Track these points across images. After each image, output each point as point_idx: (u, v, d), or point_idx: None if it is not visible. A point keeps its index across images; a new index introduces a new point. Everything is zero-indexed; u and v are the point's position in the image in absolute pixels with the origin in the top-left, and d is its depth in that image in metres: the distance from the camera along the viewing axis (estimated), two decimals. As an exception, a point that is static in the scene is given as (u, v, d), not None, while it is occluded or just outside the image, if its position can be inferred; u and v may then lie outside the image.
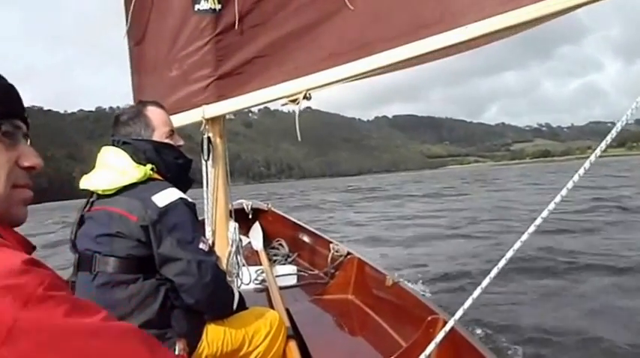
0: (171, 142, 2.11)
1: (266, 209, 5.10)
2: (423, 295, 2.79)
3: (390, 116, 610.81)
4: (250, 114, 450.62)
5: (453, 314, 1.62)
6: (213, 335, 1.97)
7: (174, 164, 2.07)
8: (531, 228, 1.45)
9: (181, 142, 2.16)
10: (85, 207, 2.00)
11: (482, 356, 1.99)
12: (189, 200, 1.96)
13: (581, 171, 1.45)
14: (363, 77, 2.46)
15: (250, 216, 4.94)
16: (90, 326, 0.67)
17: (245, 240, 4.42)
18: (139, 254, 1.83)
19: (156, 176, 2.00)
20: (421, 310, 2.55)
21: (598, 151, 1.44)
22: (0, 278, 0.61)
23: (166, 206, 1.84)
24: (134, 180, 1.90)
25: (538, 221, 1.45)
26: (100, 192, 1.95)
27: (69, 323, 0.64)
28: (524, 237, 1.46)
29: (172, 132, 2.14)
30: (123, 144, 2.04)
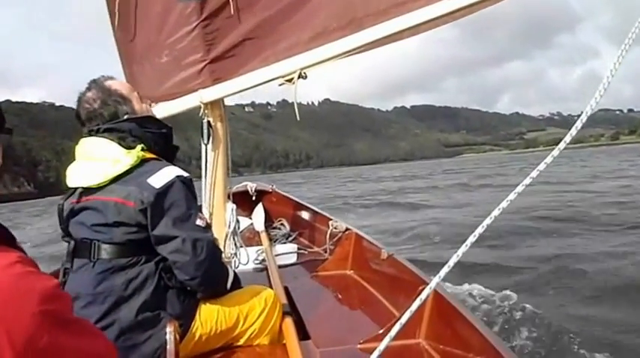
0: (150, 114, 2.05)
1: (270, 190, 5.07)
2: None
3: (408, 106, 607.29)
4: (269, 107, 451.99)
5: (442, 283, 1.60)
6: (207, 314, 1.94)
7: (159, 134, 2.01)
8: (511, 196, 1.44)
9: (151, 111, 2.10)
10: (68, 198, 1.94)
11: (470, 322, 1.99)
12: (186, 175, 1.91)
13: (556, 152, 1.46)
14: (357, 52, 2.42)
15: (254, 198, 4.92)
16: None
17: (247, 222, 4.44)
18: (138, 238, 1.81)
19: (148, 154, 1.93)
20: (414, 281, 2.54)
21: (568, 138, 1.47)
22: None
23: (162, 186, 1.80)
24: (128, 167, 1.84)
25: (512, 196, 1.44)
26: (93, 187, 1.87)
27: None
28: (504, 203, 1.43)
29: (141, 98, 2.06)
30: (105, 132, 1.93)
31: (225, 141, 2.65)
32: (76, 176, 1.92)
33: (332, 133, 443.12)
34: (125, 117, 1.97)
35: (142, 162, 1.88)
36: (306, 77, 2.44)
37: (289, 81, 2.45)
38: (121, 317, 1.74)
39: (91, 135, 1.94)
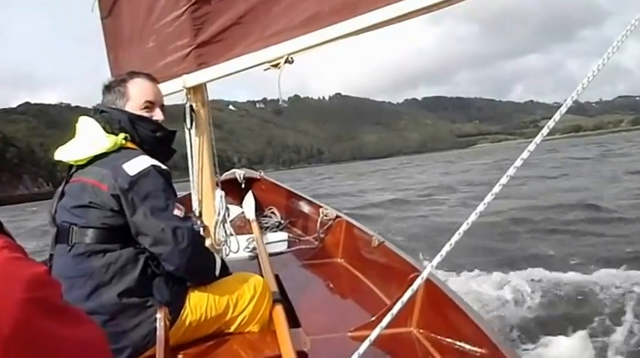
0: (145, 114, 2.04)
1: (258, 177, 5.05)
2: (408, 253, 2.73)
3: (419, 98, 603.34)
4: (280, 103, 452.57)
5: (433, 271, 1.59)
6: (197, 301, 1.93)
7: (151, 137, 2.01)
8: (496, 188, 1.41)
9: (160, 117, 2.07)
10: (65, 180, 1.97)
11: (462, 310, 1.97)
12: (163, 167, 1.91)
13: (546, 129, 1.45)
14: (345, 38, 2.35)
15: (243, 186, 4.90)
16: None
17: (238, 210, 4.42)
18: (114, 223, 1.80)
19: (130, 145, 1.95)
20: (405, 268, 2.51)
21: (551, 123, 1.43)
22: None
23: (137, 174, 1.80)
24: (104, 150, 1.86)
25: (503, 179, 1.41)
26: (72, 163, 1.92)
27: None
28: (496, 188, 1.40)
29: (151, 104, 2.06)
30: (100, 114, 1.99)
31: (208, 126, 2.61)
32: (61, 150, 1.95)
33: (343, 127, 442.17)
34: (112, 106, 2.01)
35: (121, 149, 1.88)
36: (292, 62, 2.39)
37: (275, 66, 2.40)
38: (104, 302, 1.74)
39: (88, 115, 1.99)
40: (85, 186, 1.84)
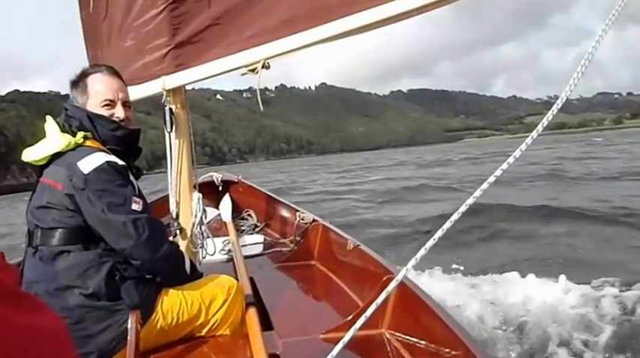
0: (103, 113, 1.99)
1: (236, 181, 5.05)
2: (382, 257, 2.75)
3: (404, 90, 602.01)
4: (267, 92, 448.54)
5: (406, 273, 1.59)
6: (168, 305, 1.92)
7: (111, 136, 1.98)
8: (478, 193, 1.41)
9: (121, 114, 2.02)
10: (36, 181, 1.95)
11: (434, 311, 1.98)
12: (120, 162, 1.89)
13: (535, 133, 1.46)
14: (323, 43, 2.34)
15: (221, 189, 4.89)
16: None
17: (215, 212, 4.42)
18: (75, 223, 1.78)
19: (90, 144, 1.90)
20: (379, 271, 2.53)
21: (545, 121, 1.46)
22: None
23: (91, 171, 1.78)
24: (59, 149, 1.84)
25: (484, 186, 1.41)
26: (33, 163, 1.90)
27: None
28: (477, 193, 1.41)
29: (111, 102, 2.00)
30: (64, 111, 1.98)
31: (188, 129, 2.58)
32: (27, 151, 1.93)
33: (331, 118, 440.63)
34: (74, 103, 1.99)
35: (78, 147, 1.86)
36: (269, 67, 2.38)
37: (252, 70, 2.39)
38: (69, 305, 1.72)
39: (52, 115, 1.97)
40: (44, 186, 1.83)
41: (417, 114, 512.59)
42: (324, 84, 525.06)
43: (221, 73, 2.45)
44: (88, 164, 1.80)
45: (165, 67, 2.47)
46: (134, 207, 1.82)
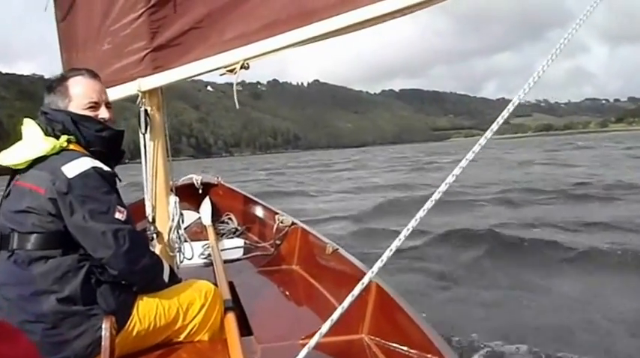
0: (89, 114, 1.96)
1: (216, 183, 5.01)
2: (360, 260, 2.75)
3: (396, 89, 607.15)
4: (259, 86, 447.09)
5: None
6: (145, 310, 1.89)
7: (97, 137, 1.94)
8: (442, 186, 1.44)
9: (106, 115, 2.00)
10: (8, 184, 1.90)
11: (411, 317, 1.99)
12: (105, 168, 1.85)
13: (483, 139, 1.46)
14: (302, 45, 2.33)
15: (201, 191, 4.85)
16: None
17: (195, 216, 4.38)
18: (54, 228, 1.74)
19: (74, 148, 1.88)
20: (357, 276, 2.47)
21: (500, 120, 1.47)
22: None
23: (76, 176, 1.74)
24: (43, 153, 1.79)
25: (443, 187, 1.44)
26: (12, 167, 1.85)
27: None
28: (438, 192, 1.42)
29: (95, 104, 1.98)
30: (42, 115, 1.92)
31: (163, 131, 2.54)
32: (3, 154, 1.88)
33: (320, 114, 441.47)
34: (55, 107, 1.93)
35: (62, 151, 1.82)
36: (248, 67, 2.36)
37: (231, 71, 2.36)
38: (44, 310, 1.68)
39: (31, 117, 1.92)
40: (24, 190, 1.78)
41: (407, 112, 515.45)
42: (317, 81, 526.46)
43: (198, 74, 2.43)
44: (73, 169, 1.76)
45: (143, 69, 2.44)
46: (117, 216, 1.78)
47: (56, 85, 1.98)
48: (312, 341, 1.38)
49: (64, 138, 1.84)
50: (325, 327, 1.42)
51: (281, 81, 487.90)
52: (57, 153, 1.81)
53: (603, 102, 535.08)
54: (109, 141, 1.98)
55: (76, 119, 1.91)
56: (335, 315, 1.42)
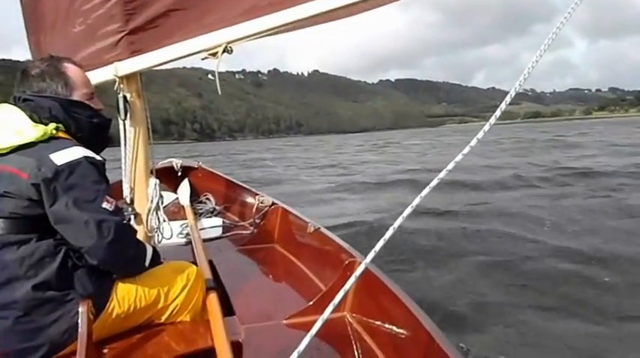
0: (91, 105, 1.89)
1: (196, 166, 4.88)
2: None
3: (392, 79, 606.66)
4: (260, 75, 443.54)
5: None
6: (124, 292, 1.81)
7: (88, 123, 1.85)
8: (442, 173, 1.30)
9: (101, 106, 1.94)
10: None
11: (394, 294, 1.94)
12: (98, 158, 1.77)
13: (487, 126, 1.37)
14: (287, 30, 2.20)
15: (180, 174, 4.71)
16: None
17: (172, 196, 4.26)
18: (31, 213, 1.65)
19: (62, 135, 1.78)
20: (340, 254, 2.47)
21: (498, 112, 1.38)
22: None
23: (65, 164, 1.64)
24: (31, 140, 1.69)
25: (442, 174, 1.31)
26: None
27: None
28: (437, 179, 1.29)
29: (92, 95, 1.92)
30: (23, 102, 1.80)
31: (144, 117, 2.41)
32: None
33: (321, 102, 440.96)
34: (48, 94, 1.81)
35: (50, 139, 1.71)
36: (231, 51, 2.20)
37: (213, 54, 2.19)
38: (17, 296, 1.59)
39: (8, 102, 1.80)
40: (2, 175, 1.67)
41: (403, 100, 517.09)
42: (317, 71, 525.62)
43: (179, 58, 2.28)
44: (63, 157, 1.66)
45: (119, 53, 2.28)
46: (105, 205, 1.68)
47: (51, 72, 1.85)
48: (316, 327, 1.26)
49: (52, 125, 1.74)
50: (328, 310, 1.32)
51: (281, 70, 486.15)
52: (45, 141, 1.71)
53: (586, 91, 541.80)
54: (97, 128, 1.89)
55: (67, 105, 1.82)
56: (337, 299, 1.30)
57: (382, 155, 28.23)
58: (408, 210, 1.30)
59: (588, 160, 15.90)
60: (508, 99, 1.41)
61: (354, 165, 20.45)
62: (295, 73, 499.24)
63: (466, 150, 1.30)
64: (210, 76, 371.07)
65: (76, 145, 1.74)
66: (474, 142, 1.32)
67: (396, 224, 1.25)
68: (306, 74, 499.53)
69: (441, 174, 1.27)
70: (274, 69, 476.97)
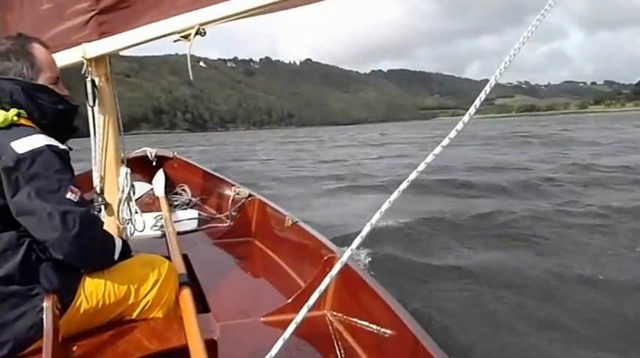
0: (58, 91, 1.79)
1: (171, 156, 4.75)
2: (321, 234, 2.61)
3: (385, 70, 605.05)
4: (251, 64, 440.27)
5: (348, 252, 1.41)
6: (92, 287, 1.72)
7: (52, 109, 1.74)
8: (421, 166, 1.28)
9: (66, 92, 1.83)
10: None
11: (375, 291, 1.89)
12: (61, 146, 1.66)
13: (467, 116, 1.35)
14: (261, 13, 2.11)
15: (155, 164, 4.56)
16: None
17: (147, 187, 4.14)
18: None
19: (24, 122, 1.67)
20: (319, 249, 2.40)
21: (477, 103, 1.36)
22: None
23: (27, 152, 1.55)
24: None
25: (421, 167, 1.28)
26: None
27: None
28: (416, 172, 1.27)
29: (57, 79, 1.81)
30: None
31: (113, 102, 2.30)
32: None
33: (312, 93, 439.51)
34: (12, 76, 1.70)
35: (12, 126, 1.61)
36: (204, 34, 2.09)
37: (185, 37, 2.10)
38: None
39: None
40: None
41: (395, 92, 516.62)
42: (309, 60, 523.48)
43: (149, 40, 2.17)
44: (24, 145, 1.56)
45: (88, 34, 2.17)
46: (69, 196, 1.58)
47: (17, 51, 1.74)
48: (290, 328, 1.19)
49: (13, 111, 1.63)
50: (304, 310, 1.26)
51: (273, 59, 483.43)
52: (6, 128, 1.61)
53: (581, 84, 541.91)
54: (62, 115, 1.79)
55: (30, 90, 1.71)
56: (314, 297, 1.24)
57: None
58: (385, 205, 1.25)
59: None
60: (488, 88, 1.39)
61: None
62: (287, 61, 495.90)
63: (445, 142, 1.28)
64: (202, 64, 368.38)
65: (39, 133, 1.64)
66: (453, 134, 1.29)
67: (374, 220, 1.21)
68: (298, 63, 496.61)
69: (420, 167, 1.24)
70: (266, 57, 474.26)
